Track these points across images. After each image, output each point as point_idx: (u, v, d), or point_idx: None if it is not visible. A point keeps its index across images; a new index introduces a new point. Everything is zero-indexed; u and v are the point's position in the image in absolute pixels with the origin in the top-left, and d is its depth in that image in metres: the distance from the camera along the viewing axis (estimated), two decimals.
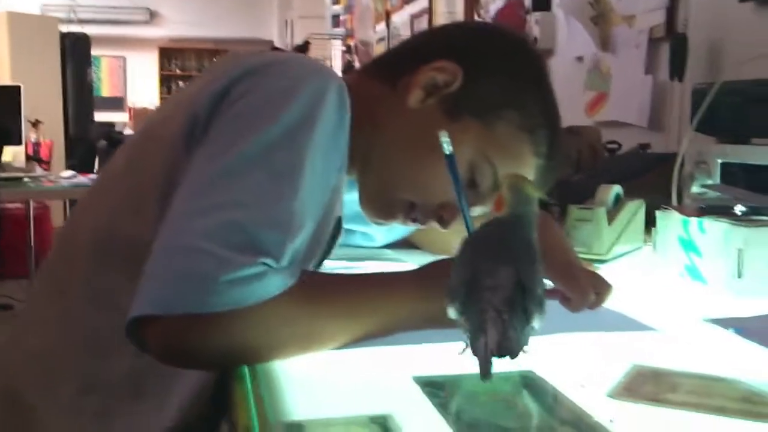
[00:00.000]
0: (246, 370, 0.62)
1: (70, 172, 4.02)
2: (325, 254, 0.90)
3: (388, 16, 4.96)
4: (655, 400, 0.56)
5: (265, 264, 0.61)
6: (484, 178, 0.87)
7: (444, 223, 0.89)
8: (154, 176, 0.73)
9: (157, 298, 0.60)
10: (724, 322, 0.73)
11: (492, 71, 0.88)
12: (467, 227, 0.75)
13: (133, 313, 0.60)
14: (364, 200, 0.92)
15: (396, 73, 0.89)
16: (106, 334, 0.73)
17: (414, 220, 0.91)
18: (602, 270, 0.93)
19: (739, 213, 0.97)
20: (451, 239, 0.96)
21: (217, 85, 0.72)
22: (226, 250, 0.60)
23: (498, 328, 0.53)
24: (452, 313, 0.58)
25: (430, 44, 0.93)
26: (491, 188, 0.88)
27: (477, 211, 0.90)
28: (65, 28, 6.51)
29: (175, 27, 9.87)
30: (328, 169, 0.73)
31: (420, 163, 0.86)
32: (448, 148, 0.73)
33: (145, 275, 0.61)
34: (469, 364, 0.62)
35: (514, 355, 0.53)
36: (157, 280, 0.61)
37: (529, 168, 0.90)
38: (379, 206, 0.92)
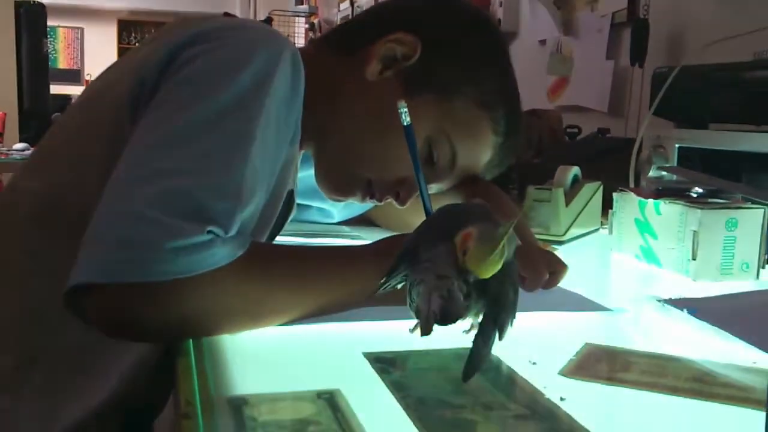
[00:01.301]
0: (190, 343, 0.60)
1: (23, 145, 3.93)
2: (277, 229, 0.88)
3: None
4: (608, 378, 0.56)
5: (212, 233, 0.59)
6: (442, 154, 0.85)
7: (401, 199, 0.88)
8: (99, 141, 0.70)
9: (97, 266, 0.57)
10: (679, 303, 0.72)
11: (452, 46, 0.87)
12: (423, 201, 0.74)
13: (73, 281, 0.57)
14: (320, 176, 0.90)
15: (354, 44, 0.87)
16: (48, 306, 0.70)
17: (371, 197, 0.89)
18: (559, 251, 0.92)
19: (695, 195, 0.97)
20: (409, 216, 0.95)
21: (165, 50, 0.69)
22: (172, 217, 0.57)
23: (442, 293, 0.52)
24: (393, 282, 0.57)
25: (390, 16, 0.90)
26: (449, 165, 0.87)
27: (433, 188, 0.89)
28: None
29: None
30: (280, 139, 0.70)
31: (377, 136, 0.84)
32: (406, 119, 0.71)
33: (85, 242, 0.59)
34: (422, 341, 0.61)
35: (456, 317, 0.52)
36: (98, 247, 0.58)
37: (488, 146, 0.89)
38: (337, 183, 0.90)
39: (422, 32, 0.85)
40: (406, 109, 0.72)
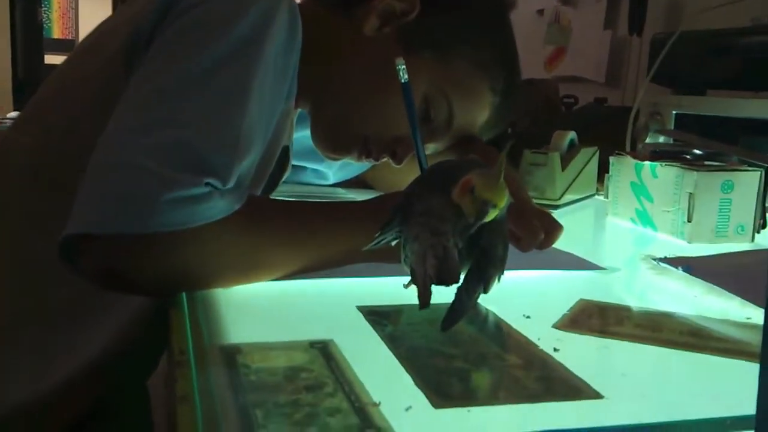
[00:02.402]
0: (184, 294, 0.59)
1: (17, 113, 3.90)
2: (271, 186, 0.87)
3: None
4: (601, 332, 0.56)
5: (210, 185, 0.58)
6: (439, 112, 0.85)
7: (397, 158, 0.87)
8: (93, 93, 0.69)
9: (93, 217, 0.56)
10: (674, 261, 0.72)
11: (452, 3, 0.86)
12: (419, 158, 0.73)
13: (67, 232, 0.56)
14: (317, 134, 0.90)
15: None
16: (43, 261, 0.69)
17: (368, 155, 0.89)
18: (554, 215, 0.92)
19: (691, 158, 0.96)
20: (404, 177, 0.94)
21: (160, 1, 0.68)
22: (169, 168, 0.57)
23: (437, 253, 0.51)
24: (388, 237, 0.57)
25: None
26: (445, 124, 0.86)
27: (430, 148, 0.89)
28: None
29: None
30: (277, 92, 0.70)
31: (374, 92, 0.83)
32: (403, 76, 0.71)
33: (80, 193, 0.58)
34: (416, 296, 0.61)
35: (452, 281, 0.52)
36: (93, 198, 0.57)
37: (485, 105, 0.88)
38: (333, 141, 0.89)
39: None
40: (404, 66, 0.71)
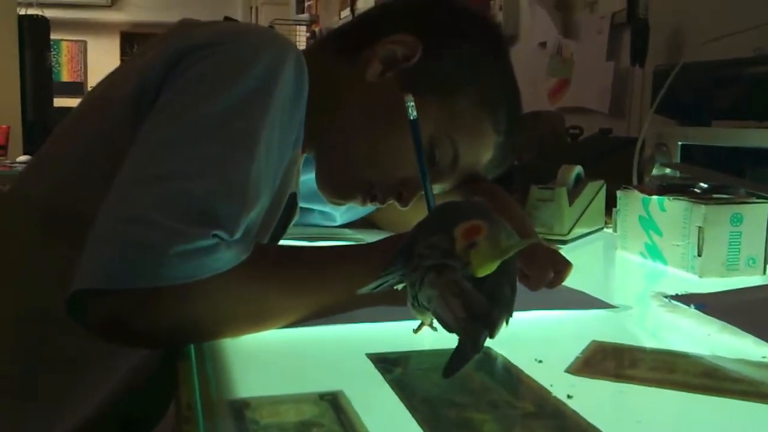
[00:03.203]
0: (191, 346, 0.59)
1: (27, 157, 3.93)
2: (279, 233, 0.87)
3: (353, 1, 4.92)
4: (616, 376, 0.55)
5: (217, 236, 0.58)
6: (444, 154, 0.85)
7: (403, 200, 0.87)
8: (101, 145, 0.69)
9: (101, 271, 0.56)
10: (686, 299, 0.72)
11: (452, 46, 0.86)
12: (427, 196, 0.73)
13: (75, 287, 0.56)
14: (321, 180, 0.90)
15: (355, 45, 0.87)
16: (50, 312, 0.69)
17: (373, 199, 0.88)
18: (563, 251, 0.91)
19: (699, 191, 0.96)
20: (411, 217, 0.94)
21: (169, 53, 0.68)
22: (177, 221, 0.57)
23: (454, 291, 0.51)
24: (390, 280, 0.56)
25: (390, 17, 0.90)
26: (450, 165, 0.86)
27: (436, 189, 0.88)
28: (23, 11, 6.35)
29: (138, 11, 9.70)
30: (284, 142, 0.70)
31: (378, 138, 0.83)
32: (412, 113, 0.71)
33: (88, 247, 0.58)
34: (426, 341, 0.61)
35: (485, 313, 0.50)
36: (100, 252, 0.57)
37: (489, 145, 0.88)
38: (338, 186, 0.89)
39: (423, 33, 0.85)
40: (413, 103, 0.71)
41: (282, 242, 0.91)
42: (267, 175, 0.66)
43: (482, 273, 0.52)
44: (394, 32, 0.85)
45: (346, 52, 0.87)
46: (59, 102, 6.88)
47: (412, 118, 0.72)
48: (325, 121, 0.83)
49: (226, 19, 0.84)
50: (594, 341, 0.62)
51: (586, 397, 0.50)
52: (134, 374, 0.73)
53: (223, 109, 0.64)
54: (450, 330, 0.51)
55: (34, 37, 6.15)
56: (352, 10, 4.94)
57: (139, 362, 0.73)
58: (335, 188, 0.89)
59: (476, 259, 0.52)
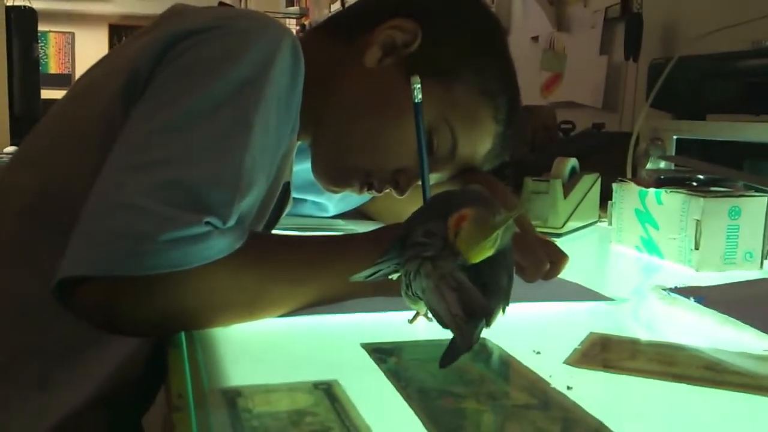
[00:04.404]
0: (182, 335, 0.58)
1: (14, 148, 3.89)
2: (272, 222, 0.85)
3: None
4: (615, 367, 0.54)
5: (209, 224, 0.56)
6: (443, 142, 0.83)
7: (400, 188, 0.86)
8: (90, 133, 0.67)
9: (88, 258, 0.55)
10: (685, 291, 0.71)
11: (452, 32, 0.85)
12: (424, 184, 0.72)
13: (61, 274, 0.55)
14: (317, 167, 0.88)
15: (352, 31, 0.85)
16: (39, 301, 0.67)
17: (369, 188, 0.87)
18: (558, 243, 0.90)
19: (696, 184, 0.95)
20: (405, 208, 0.93)
21: (161, 40, 0.67)
22: (167, 207, 0.55)
23: (451, 284, 0.49)
24: (385, 269, 0.55)
25: (389, 3, 0.88)
26: (449, 154, 0.85)
27: (432, 178, 0.87)
28: (11, 2, 6.29)
29: (126, 3, 9.62)
30: (281, 129, 0.68)
31: (376, 125, 0.82)
32: (418, 95, 0.69)
33: (75, 233, 0.56)
34: (421, 332, 0.59)
35: (483, 311, 0.48)
36: (88, 239, 0.56)
37: (488, 134, 0.87)
38: (334, 173, 0.88)
39: (422, 19, 0.83)
40: (419, 86, 0.70)
41: (274, 232, 0.89)
42: (262, 162, 0.64)
43: (475, 258, 0.50)
44: (392, 17, 0.83)
45: (342, 38, 0.86)
46: (46, 94, 6.82)
47: (417, 101, 0.70)
48: (321, 108, 0.82)
49: (221, 4, 0.83)
50: (592, 333, 0.61)
51: (586, 388, 0.49)
52: (124, 363, 0.71)
53: (216, 95, 0.62)
54: (444, 326, 0.49)
55: (22, 28, 6.08)
56: (342, 3, 4.91)
57: (129, 350, 0.71)
58: (332, 176, 0.88)
59: (463, 244, 0.50)
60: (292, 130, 0.72)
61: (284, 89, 0.67)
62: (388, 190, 0.87)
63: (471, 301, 0.48)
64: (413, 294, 0.54)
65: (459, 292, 0.49)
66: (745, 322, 0.61)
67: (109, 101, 0.67)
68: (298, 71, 0.69)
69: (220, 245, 0.57)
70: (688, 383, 0.51)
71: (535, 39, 2.52)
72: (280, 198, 0.81)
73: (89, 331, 0.59)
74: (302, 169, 0.94)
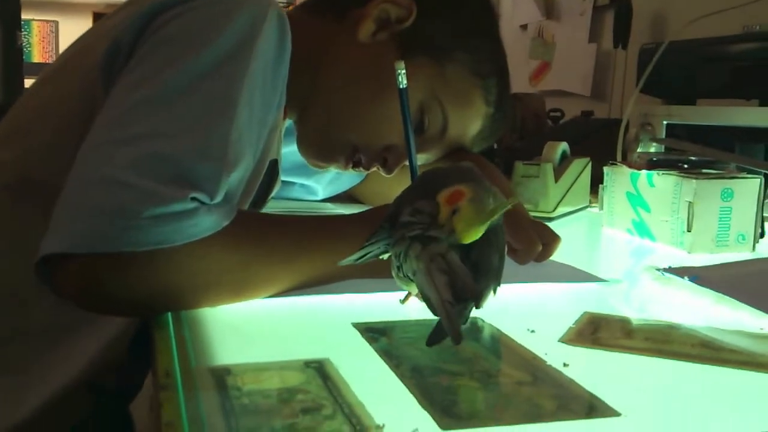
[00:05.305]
0: (169, 315, 0.56)
1: None
2: (261, 202, 0.84)
3: None
4: (611, 345, 0.53)
5: (196, 199, 0.55)
6: (434, 121, 0.82)
7: (388, 166, 0.85)
8: (72, 108, 0.66)
9: (70, 235, 0.53)
10: (679, 271, 0.70)
11: (446, 10, 0.84)
12: (411, 165, 0.71)
13: (43, 251, 0.53)
14: (303, 142, 0.87)
15: (344, 6, 0.84)
16: (21, 283, 0.65)
17: (356, 164, 0.86)
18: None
19: (687, 166, 0.94)
20: (394, 190, 0.92)
21: (142, 12, 0.65)
22: (151, 181, 0.53)
23: (441, 266, 0.48)
24: (375, 250, 0.54)
25: None
26: (439, 133, 0.84)
27: (421, 159, 0.86)
28: None
29: None
30: (267, 103, 0.67)
31: (367, 99, 0.81)
32: (402, 81, 0.68)
33: (57, 209, 0.55)
34: (412, 311, 0.58)
35: (473, 296, 0.47)
36: (70, 215, 0.54)
37: (478, 115, 0.86)
38: (320, 147, 0.86)
39: None
40: (404, 71, 0.69)
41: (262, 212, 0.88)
42: (249, 137, 0.63)
43: (468, 239, 0.49)
44: None
45: (334, 12, 0.84)
46: (30, 83, 6.76)
47: (402, 86, 0.69)
48: (308, 84, 0.81)
49: None
50: (587, 312, 0.60)
51: (582, 365, 0.48)
52: (109, 345, 0.70)
53: (200, 68, 0.60)
54: (433, 311, 0.48)
55: (5, 16, 6.02)
56: None
57: (114, 332, 0.70)
58: (318, 150, 0.86)
59: (460, 224, 0.49)
60: (279, 105, 0.71)
61: (270, 62, 0.66)
62: (375, 169, 0.86)
63: (459, 282, 0.47)
64: (404, 275, 0.52)
65: (449, 276, 0.47)
66: (741, 301, 0.61)
67: (89, 76, 0.65)
68: (285, 44, 0.67)
69: (207, 223, 0.55)
70: (684, 360, 0.50)
71: (524, 27, 2.51)
72: (268, 176, 0.79)
73: (73, 311, 0.57)
74: (290, 151, 0.92)
